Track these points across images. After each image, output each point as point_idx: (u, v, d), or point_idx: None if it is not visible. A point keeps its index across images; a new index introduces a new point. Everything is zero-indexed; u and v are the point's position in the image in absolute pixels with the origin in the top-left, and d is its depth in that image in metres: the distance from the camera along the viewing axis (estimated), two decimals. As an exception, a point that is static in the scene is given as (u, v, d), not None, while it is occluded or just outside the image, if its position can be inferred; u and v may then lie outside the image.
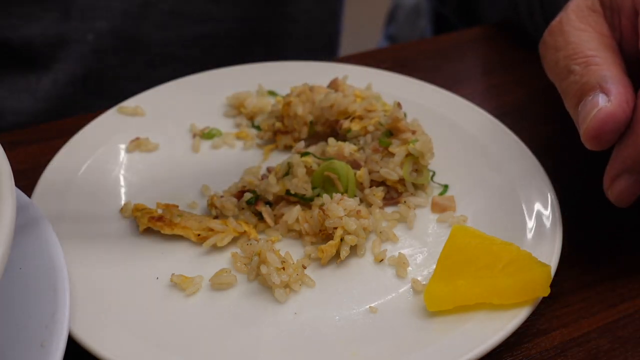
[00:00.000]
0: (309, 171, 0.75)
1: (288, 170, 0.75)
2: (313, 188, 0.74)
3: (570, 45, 0.68)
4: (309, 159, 0.75)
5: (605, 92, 0.62)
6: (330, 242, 0.69)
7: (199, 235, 0.71)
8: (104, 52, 1.04)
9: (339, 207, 0.70)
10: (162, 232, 0.71)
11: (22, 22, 1.00)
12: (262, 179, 0.76)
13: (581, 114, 0.63)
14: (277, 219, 0.73)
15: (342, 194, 0.73)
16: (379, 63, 0.98)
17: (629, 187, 0.65)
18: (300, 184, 0.73)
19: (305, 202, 0.73)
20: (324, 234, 0.71)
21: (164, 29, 1.06)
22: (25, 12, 1.00)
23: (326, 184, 0.75)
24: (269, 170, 0.79)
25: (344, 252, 0.69)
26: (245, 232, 0.72)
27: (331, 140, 0.78)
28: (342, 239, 0.69)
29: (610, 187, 0.66)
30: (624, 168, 0.64)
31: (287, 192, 0.73)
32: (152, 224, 0.71)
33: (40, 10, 1.01)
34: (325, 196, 0.72)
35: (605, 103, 0.62)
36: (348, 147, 0.76)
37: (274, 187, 0.73)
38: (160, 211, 0.72)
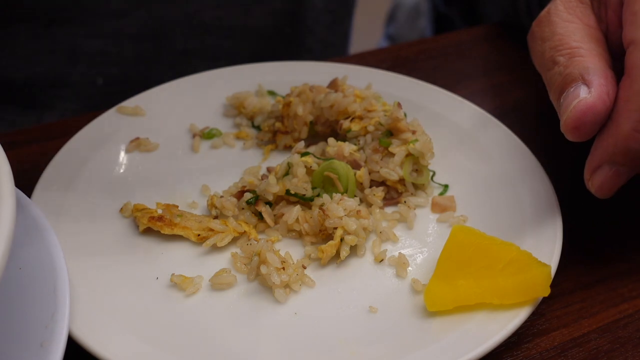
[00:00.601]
0: (309, 171, 0.75)
1: (288, 170, 0.74)
2: (313, 188, 0.74)
3: (557, 36, 0.68)
4: (309, 159, 0.75)
5: (587, 84, 0.63)
6: (330, 242, 0.69)
7: (199, 235, 0.71)
8: (113, 95, 1.04)
9: (339, 207, 0.70)
10: (162, 232, 0.71)
11: (25, 62, 0.99)
12: (262, 179, 0.76)
13: (562, 105, 0.64)
14: (277, 219, 0.73)
15: (342, 194, 0.73)
16: (379, 63, 0.98)
17: (610, 178, 0.65)
18: (300, 184, 0.73)
19: (305, 202, 0.73)
20: (324, 234, 0.71)
21: (175, 67, 1.05)
22: (28, 53, 1.00)
23: (326, 184, 0.75)
24: (268, 170, 0.79)
25: (344, 252, 0.69)
26: (245, 232, 0.72)
27: (331, 140, 0.78)
28: (342, 239, 0.69)
29: (591, 178, 0.66)
30: (604, 159, 0.64)
31: (287, 192, 0.73)
32: (152, 224, 0.71)
33: (45, 51, 1.00)
34: (325, 196, 0.72)
35: (586, 94, 0.62)
36: (348, 147, 0.76)
37: (274, 187, 0.73)
38: (160, 211, 0.72)
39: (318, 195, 0.74)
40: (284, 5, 1.10)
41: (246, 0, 1.07)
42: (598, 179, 0.66)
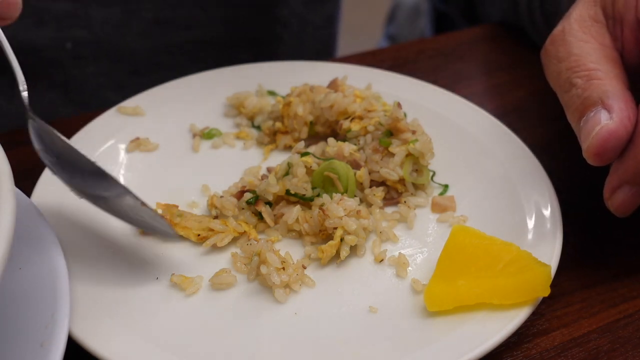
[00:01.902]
0: (309, 171, 0.75)
1: (288, 170, 0.74)
2: (313, 188, 0.74)
3: (573, 57, 0.68)
4: (308, 159, 0.75)
5: (607, 109, 0.63)
6: (331, 242, 0.69)
7: (199, 235, 0.71)
8: (84, 60, 1.02)
9: (339, 207, 0.70)
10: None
11: None
12: (262, 179, 0.76)
13: (583, 130, 0.64)
14: (277, 219, 0.73)
15: (342, 194, 0.73)
16: (379, 63, 0.98)
17: (629, 198, 0.66)
18: (300, 184, 0.73)
19: (305, 202, 0.73)
20: (324, 234, 0.71)
21: (148, 37, 1.03)
22: None
23: (326, 184, 0.75)
24: (268, 170, 0.79)
25: (344, 252, 0.69)
26: (245, 232, 0.72)
27: (331, 140, 0.78)
28: (342, 239, 0.69)
29: (611, 197, 0.67)
30: (625, 180, 0.65)
31: (287, 192, 0.73)
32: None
33: None
34: (325, 196, 0.72)
35: (607, 120, 0.62)
36: (348, 147, 0.76)
37: (274, 187, 0.73)
38: (160, 211, 0.72)
39: (318, 195, 0.74)
40: None
41: None
42: (618, 199, 0.66)
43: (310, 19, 1.15)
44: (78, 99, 1.05)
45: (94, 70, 1.03)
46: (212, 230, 0.71)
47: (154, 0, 1.03)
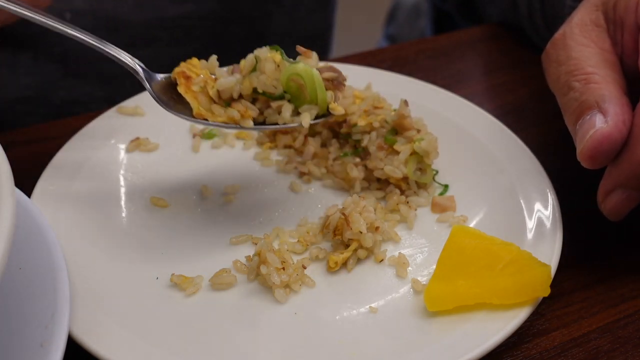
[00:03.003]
0: (278, 70, 0.67)
1: (255, 66, 0.67)
2: (284, 92, 0.68)
3: (572, 60, 0.68)
4: (277, 55, 0.67)
5: (603, 112, 0.63)
6: (345, 254, 0.69)
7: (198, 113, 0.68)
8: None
9: (361, 219, 0.69)
10: (177, 89, 0.69)
11: None
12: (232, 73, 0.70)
13: (579, 133, 0.65)
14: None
15: (311, 103, 0.67)
16: (379, 63, 0.98)
17: (622, 202, 0.66)
18: (270, 82, 0.67)
19: (274, 100, 0.67)
20: (337, 237, 0.70)
21: (143, 9, 1.03)
22: None
23: (294, 90, 0.68)
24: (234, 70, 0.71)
25: (351, 265, 0.69)
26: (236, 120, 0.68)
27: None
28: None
29: (604, 201, 0.67)
30: (618, 183, 0.65)
31: (255, 90, 0.68)
32: (179, 76, 0.69)
33: None
34: (349, 199, 0.71)
35: (602, 124, 0.63)
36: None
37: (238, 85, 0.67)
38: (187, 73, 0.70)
39: (289, 101, 0.68)
40: None
41: None
42: (611, 202, 0.67)
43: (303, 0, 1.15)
44: (76, 71, 1.05)
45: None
46: (212, 113, 0.68)
47: None
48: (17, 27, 0.86)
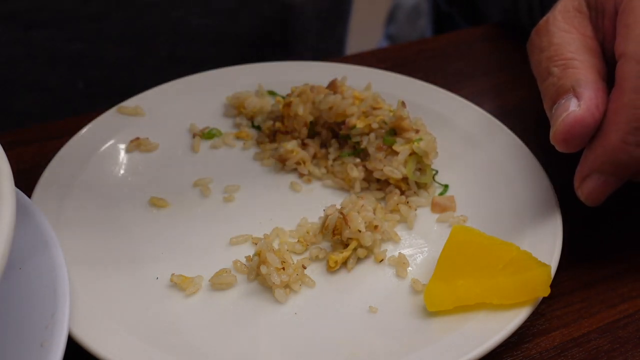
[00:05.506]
0: None
1: None
2: None
3: (553, 46, 0.69)
4: None
5: (577, 96, 0.64)
6: (345, 253, 0.69)
7: None
8: (96, 98, 1.02)
9: (359, 217, 0.69)
10: None
11: (2, 67, 0.97)
12: None
13: (553, 117, 0.65)
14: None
15: None
16: (379, 63, 0.98)
17: (598, 187, 0.66)
18: None
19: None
20: (336, 237, 0.70)
21: (162, 73, 1.04)
22: (4, 57, 0.98)
23: None
24: None
25: (351, 265, 0.69)
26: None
27: None
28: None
29: (580, 186, 0.67)
30: (594, 168, 0.65)
31: None
32: None
33: (23, 55, 0.98)
34: (347, 199, 0.72)
35: (575, 107, 0.63)
36: None
37: None
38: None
39: None
40: (272, 12, 1.09)
41: (233, 6, 1.06)
42: (587, 188, 0.67)
43: (322, 48, 1.16)
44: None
45: (104, 105, 1.05)
46: None
47: (170, 38, 1.04)
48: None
